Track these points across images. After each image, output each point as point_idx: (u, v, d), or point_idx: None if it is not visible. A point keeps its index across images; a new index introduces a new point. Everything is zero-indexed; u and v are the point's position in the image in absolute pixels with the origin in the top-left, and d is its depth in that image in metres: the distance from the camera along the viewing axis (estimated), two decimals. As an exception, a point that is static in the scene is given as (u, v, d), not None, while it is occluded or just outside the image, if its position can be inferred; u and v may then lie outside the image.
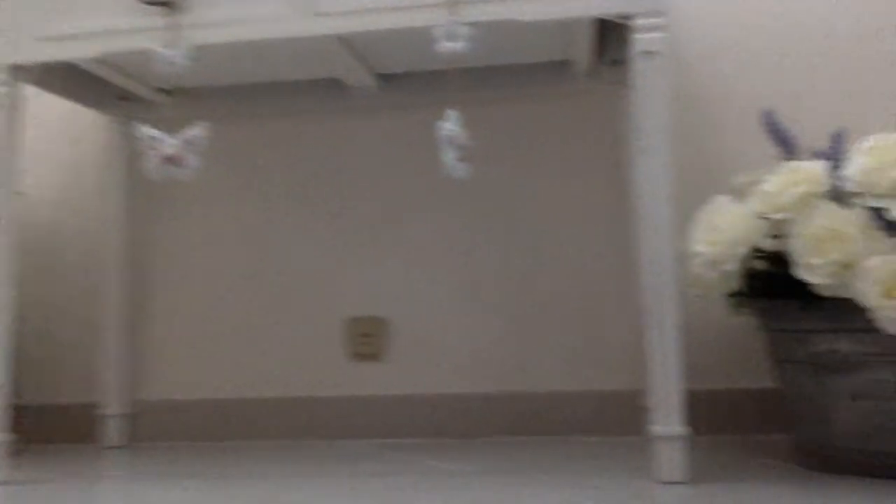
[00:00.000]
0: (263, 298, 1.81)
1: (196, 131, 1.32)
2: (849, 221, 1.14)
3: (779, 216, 1.22)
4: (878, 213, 1.13)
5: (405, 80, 1.73)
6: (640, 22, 1.25)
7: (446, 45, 1.26)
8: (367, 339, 1.77)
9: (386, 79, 1.73)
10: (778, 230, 1.23)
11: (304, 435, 1.74)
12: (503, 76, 1.68)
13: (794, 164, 1.25)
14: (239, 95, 1.79)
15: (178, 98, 1.77)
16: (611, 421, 1.64)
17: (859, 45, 1.65)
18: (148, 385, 1.81)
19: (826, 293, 1.17)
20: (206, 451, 1.66)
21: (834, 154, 1.28)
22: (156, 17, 1.34)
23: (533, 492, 1.23)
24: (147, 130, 1.32)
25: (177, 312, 1.83)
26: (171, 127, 1.32)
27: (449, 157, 1.28)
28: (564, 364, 1.70)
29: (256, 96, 1.79)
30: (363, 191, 1.80)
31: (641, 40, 1.25)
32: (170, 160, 1.32)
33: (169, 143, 1.32)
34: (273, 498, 1.24)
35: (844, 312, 1.17)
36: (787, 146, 1.36)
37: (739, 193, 1.31)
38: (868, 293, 1.10)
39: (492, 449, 1.58)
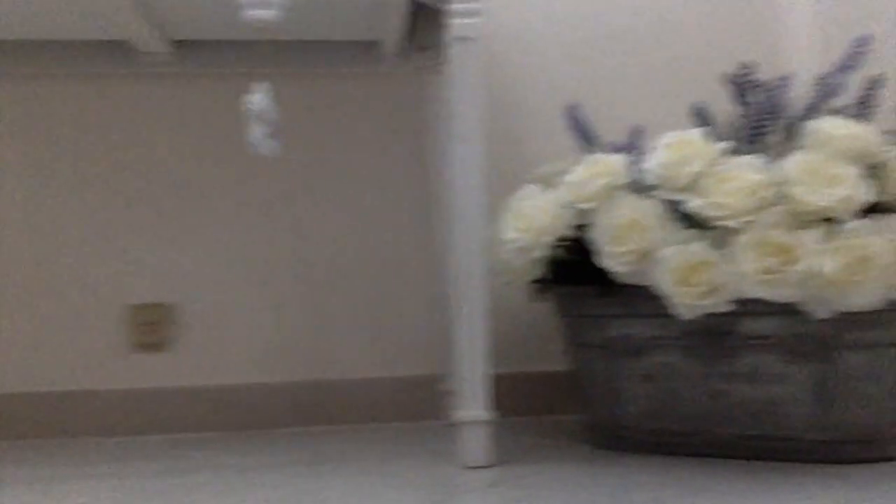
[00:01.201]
0: (34, 283, 1.62)
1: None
2: (647, 212, 1.20)
3: (583, 206, 1.26)
4: (675, 205, 1.20)
5: (204, 48, 1.61)
6: (455, 7, 1.25)
7: (255, 13, 1.19)
8: (151, 328, 1.65)
9: (183, 45, 1.61)
10: (582, 219, 1.27)
11: (82, 432, 1.59)
12: (311, 52, 1.61)
13: (597, 156, 1.30)
14: (11, 53, 1.58)
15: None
16: (412, 407, 1.64)
17: (659, 45, 1.75)
18: None
19: (625, 280, 1.23)
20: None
21: (632, 148, 1.35)
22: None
23: (334, 481, 1.19)
24: None
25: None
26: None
27: (256, 132, 1.21)
28: (363, 351, 1.67)
29: (31, 54, 1.59)
30: (150, 165, 1.66)
31: (457, 25, 1.25)
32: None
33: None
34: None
35: (638, 299, 1.24)
36: (587, 139, 1.41)
37: (546, 183, 1.34)
38: (663, 281, 1.17)
39: (289, 441, 1.52)
